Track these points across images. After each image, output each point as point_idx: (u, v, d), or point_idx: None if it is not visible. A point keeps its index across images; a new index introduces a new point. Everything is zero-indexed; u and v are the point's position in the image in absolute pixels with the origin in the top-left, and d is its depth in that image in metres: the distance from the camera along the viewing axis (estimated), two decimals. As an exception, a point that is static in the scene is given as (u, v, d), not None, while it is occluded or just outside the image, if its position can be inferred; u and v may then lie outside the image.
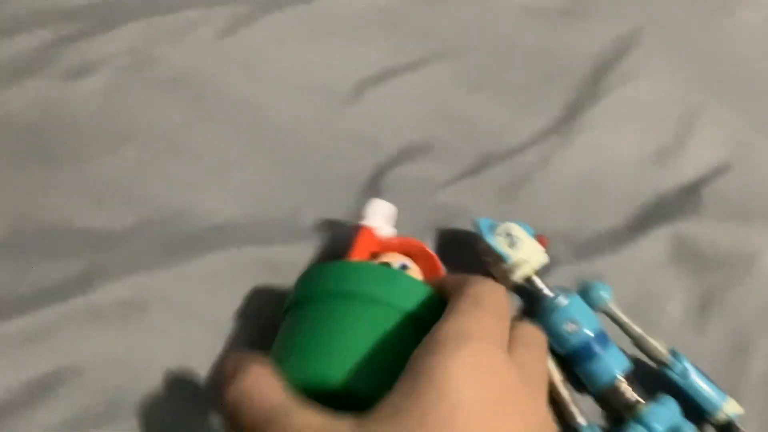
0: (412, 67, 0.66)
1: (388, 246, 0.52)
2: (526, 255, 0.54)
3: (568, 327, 0.52)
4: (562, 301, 0.53)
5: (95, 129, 0.58)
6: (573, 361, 0.53)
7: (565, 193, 0.61)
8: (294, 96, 0.62)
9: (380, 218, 0.53)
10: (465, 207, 0.59)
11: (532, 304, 0.55)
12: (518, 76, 0.67)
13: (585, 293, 0.55)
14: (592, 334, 0.52)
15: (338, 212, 0.57)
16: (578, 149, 0.63)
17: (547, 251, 0.55)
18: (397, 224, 0.55)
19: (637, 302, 0.56)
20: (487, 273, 0.56)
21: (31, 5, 0.62)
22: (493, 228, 0.55)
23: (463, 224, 0.58)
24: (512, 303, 0.56)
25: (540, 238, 0.56)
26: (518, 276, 0.54)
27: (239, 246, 0.53)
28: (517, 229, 0.55)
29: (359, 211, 0.53)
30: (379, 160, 0.61)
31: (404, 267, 0.51)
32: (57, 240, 0.53)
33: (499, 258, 0.54)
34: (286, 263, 0.52)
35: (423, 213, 0.58)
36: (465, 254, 0.56)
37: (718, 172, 0.64)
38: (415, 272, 0.51)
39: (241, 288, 0.51)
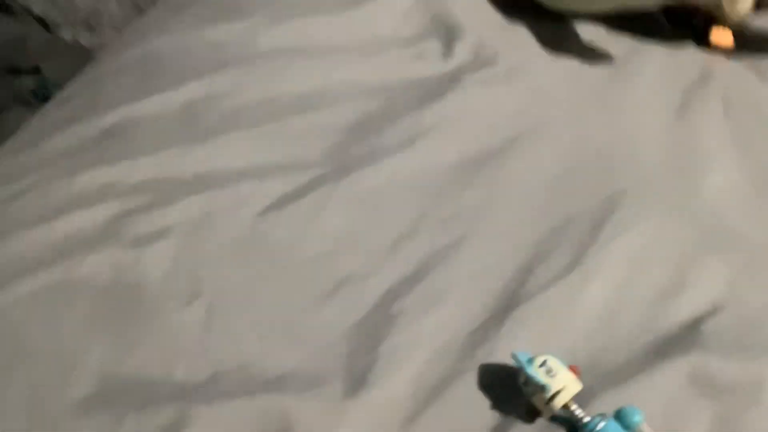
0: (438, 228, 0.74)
1: None
2: (562, 384, 0.60)
3: (608, 450, 0.57)
4: (600, 425, 0.58)
5: (165, 289, 0.64)
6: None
7: (588, 329, 0.67)
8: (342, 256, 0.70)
9: None
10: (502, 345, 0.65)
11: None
12: (528, 231, 0.75)
13: (620, 418, 0.60)
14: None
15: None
16: (592, 291, 0.70)
17: (580, 380, 0.61)
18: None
19: (664, 425, 0.61)
20: (529, 404, 0.61)
21: (99, 181, 0.70)
22: (531, 361, 0.61)
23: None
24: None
25: (572, 368, 0.62)
26: (559, 404, 0.60)
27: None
28: (552, 361, 0.61)
29: None
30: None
31: None
32: (141, 393, 0.57)
33: (540, 388, 0.60)
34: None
35: (461, 352, 0.64)
36: (509, 386, 0.62)
37: (714, 311, 0.72)
38: None
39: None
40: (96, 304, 0.62)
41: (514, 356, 0.62)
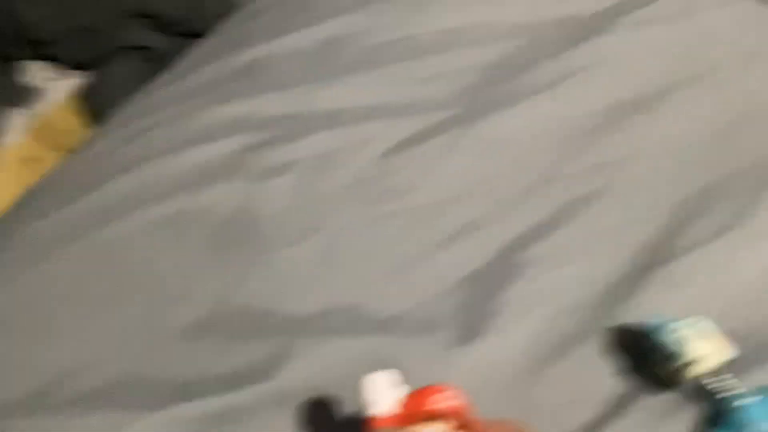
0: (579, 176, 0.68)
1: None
2: (698, 353, 0.52)
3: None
4: (749, 400, 0.51)
5: (283, 223, 0.62)
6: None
7: (746, 294, 0.60)
8: (463, 200, 0.66)
9: (387, 394, 0.48)
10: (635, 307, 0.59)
11: (717, 408, 0.53)
12: (678, 187, 0.68)
13: (772, 395, 0.52)
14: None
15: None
16: (754, 253, 0.62)
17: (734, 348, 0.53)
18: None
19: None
20: (663, 372, 0.55)
21: (229, 115, 0.70)
22: (665, 324, 0.54)
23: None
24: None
25: (718, 336, 0.54)
26: (689, 374, 0.52)
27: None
28: (688, 327, 0.53)
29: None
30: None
31: None
32: (249, 322, 0.57)
33: (669, 356, 0.53)
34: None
35: (589, 311, 0.59)
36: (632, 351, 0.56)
37: None
38: None
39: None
40: (214, 234, 0.62)
41: (645, 319, 0.55)
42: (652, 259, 0.62)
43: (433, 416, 0.47)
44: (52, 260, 0.61)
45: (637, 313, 0.58)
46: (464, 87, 0.74)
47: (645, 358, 0.55)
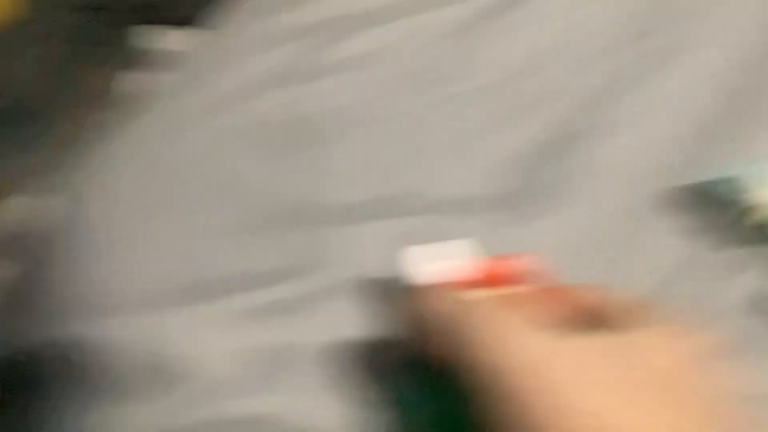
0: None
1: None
2: (763, 198, 0.50)
3: None
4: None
5: (335, 119, 0.63)
6: None
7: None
8: (528, 79, 0.65)
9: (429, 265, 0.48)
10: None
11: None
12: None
13: None
14: None
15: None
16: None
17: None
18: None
19: None
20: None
21: (288, 22, 0.71)
22: (728, 177, 0.52)
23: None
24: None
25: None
26: (750, 220, 0.50)
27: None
28: (756, 173, 0.51)
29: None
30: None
31: None
32: (295, 216, 0.58)
33: (729, 204, 0.50)
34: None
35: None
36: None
37: None
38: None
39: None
40: (271, 137, 0.63)
41: (708, 173, 0.53)
42: (737, 111, 0.60)
43: (513, 280, 0.46)
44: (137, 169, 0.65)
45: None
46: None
47: (715, 210, 0.53)
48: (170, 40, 1.79)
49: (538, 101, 0.63)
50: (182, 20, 1.78)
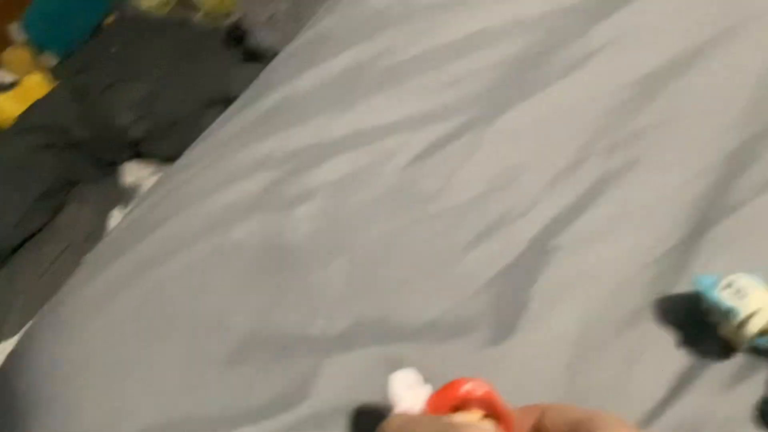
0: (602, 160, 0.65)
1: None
2: (757, 305, 0.48)
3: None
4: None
5: (310, 248, 0.62)
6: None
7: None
8: (495, 196, 0.64)
9: (410, 391, 0.47)
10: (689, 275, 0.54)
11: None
12: (721, 144, 0.63)
13: None
14: None
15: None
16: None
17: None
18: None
19: None
20: (719, 337, 0.50)
21: (255, 155, 0.71)
22: (715, 283, 0.50)
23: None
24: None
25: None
26: (751, 330, 0.48)
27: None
28: (744, 279, 0.49)
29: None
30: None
31: None
32: (280, 348, 0.57)
33: (726, 314, 0.48)
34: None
35: (636, 287, 0.55)
36: (691, 318, 0.51)
37: None
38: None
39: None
40: (245, 268, 0.62)
41: (694, 281, 0.51)
42: (701, 222, 0.58)
43: (460, 406, 0.45)
44: (104, 314, 0.63)
45: (687, 283, 0.54)
46: (485, 87, 0.72)
47: (704, 321, 0.51)
48: (152, 175, 1.82)
49: (509, 218, 0.62)
50: (167, 156, 1.82)
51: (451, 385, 0.46)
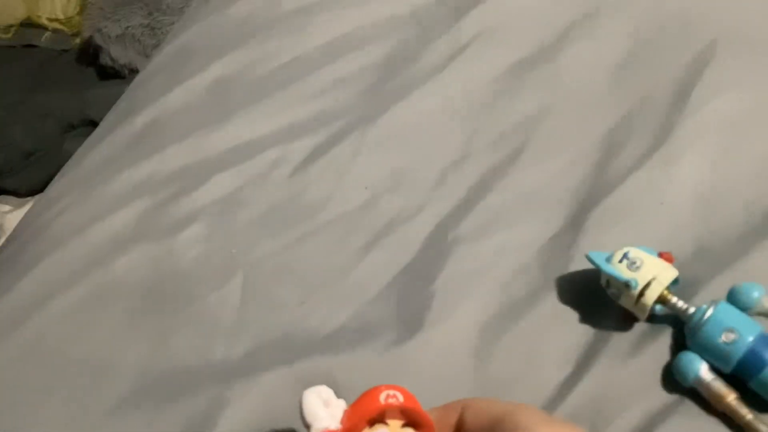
0: (489, 147, 0.65)
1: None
2: (652, 274, 0.49)
3: (725, 338, 0.46)
4: (709, 312, 0.47)
5: (199, 273, 0.59)
6: (744, 375, 0.46)
7: (683, 214, 0.56)
8: (385, 197, 0.63)
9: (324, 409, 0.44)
10: (582, 251, 0.55)
11: (681, 331, 0.49)
12: (598, 128, 0.64)
13: (734, 298, 0.49)
14: (752, 339, 0.46)
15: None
16: (684, 169, 0.59)
17: (678, 268, 0.50)
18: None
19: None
20: (621, 309, 0.51)
21: (130, 181, 0.67)
22: (609, 258, 0.51)
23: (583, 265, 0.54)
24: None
25: (664, 255, 0.51)
26: (651, 298, 0.49)
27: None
28: (635, 251, 0.51)
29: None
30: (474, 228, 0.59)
31: None
32: (178, 383, 0.53)
33: (625, 285, 0.49)
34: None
35: (532, 271, 0.56)
36: (595, 294, 0.52)
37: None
38: None
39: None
40: (132, 303, 0.58)
41: (588, 258, 0.52)
42: (587, 203, 0.59)
43: (377, 419, 0.43)
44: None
45: (579, 262, 0.55)
46: (359, 90, 0.71)
47: (602, 296, 0.52)
48: (11, 212, 1.71)
49: (401, 219, 0.61)
50: (27, 190, 1.71)
51: (367, 397, 0.44)
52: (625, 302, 0.51)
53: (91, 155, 0.73)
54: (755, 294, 0.48)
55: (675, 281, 0.50)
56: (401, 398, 0.42)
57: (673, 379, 0.48)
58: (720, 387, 0.46)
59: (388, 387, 0.43)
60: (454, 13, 0.75)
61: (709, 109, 0.62)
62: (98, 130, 0.79)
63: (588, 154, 0.62)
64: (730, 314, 0.47)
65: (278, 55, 0.76)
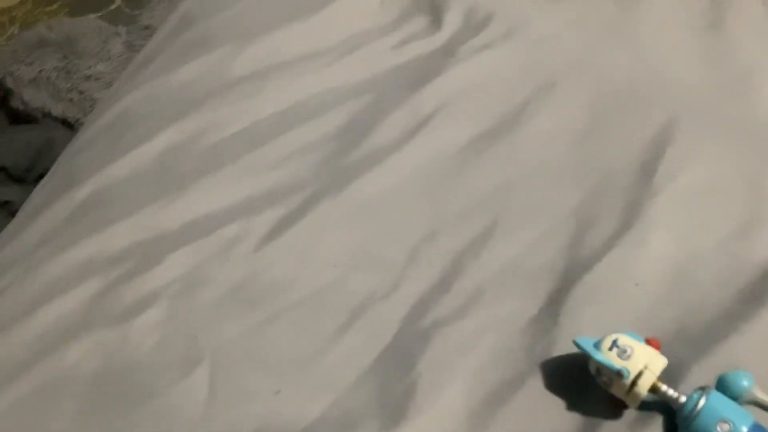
0: (457, 221, 0.64)
1: None
2: (643, 363, 0.49)
3: (720, 428, 0.46)
4: (702, 402, 0.47)
5: (160, 362, 0.55)
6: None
7: (660, 292, 0.56)
8: (355, 275, 0.61)
9: None
10: (565, 333, 0.54)
11: (672, 420, 0.49)
12: (565, 201, 0.64)
13: (724, 387, 0.48)
14: (746, 429, 0.46)
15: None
16: (656, 247, 0.59)
17: (664, 354, 0.50)
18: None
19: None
20: (609, 395, 0.50)
21: (75, 260, 0.62)
22: (598, 345, 0.50)
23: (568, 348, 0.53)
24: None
25: (651, 342, 0.51)
26: (644, 387, 0.48)
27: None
28: (624, 338, 0.50)
29: None
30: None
31: None
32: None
33: (617, 374, 0.49)
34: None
35: (516, 352, 0.54)
36: (582, 379, 0.51)
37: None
38: None
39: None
40: (86, 397, 0.54)
41: (576, 344, 0.51)
42: (563, 283, 0.58)
43: None
44: None
45: (567, 339, 0.54)
46: (319, 160, 0.69)
47: (590, 381, 0.51)
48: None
49: (375, 299, 0.59)
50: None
51: None
52: (616, 390, 0.50)
53: (29, 230, 0.68)
54: (744, 383, 0.48)
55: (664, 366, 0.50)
56: None
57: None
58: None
59: None
60: (409, 85, 0.74)
61: (674, 186, 0.63)
62: (31, 202, 0.73)
63: (558, 231, 0.62)
64: (723, 404, 0.47)
65: (231, 123, 0.74)
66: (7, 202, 1.49)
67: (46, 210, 0.69)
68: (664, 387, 0.49)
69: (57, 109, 1.70)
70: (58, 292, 0.60)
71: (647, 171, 0.64)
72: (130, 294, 0.59)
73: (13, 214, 1.42)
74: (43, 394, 0.54)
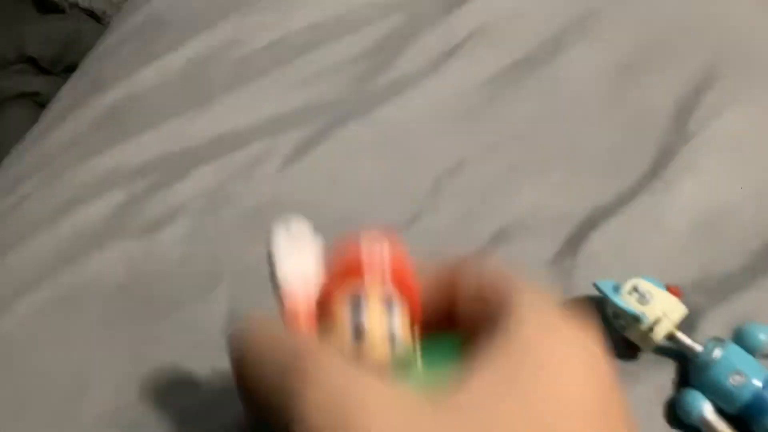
0: (485, 155, 0.63)
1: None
2: (662, 310, 0.49)
3: (732, 380, 0.46)
4: (718, 353, 0.47)
5: (183, 277, 0.56)
6: (747, 419, 0.46)
7: (683, 241, 0.56)
8: (378, 202, 0.60)
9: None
10: (583, 276, 0.54)
11: (685, 366, 0.49)
12: (597, 141, 0.63)
13: (741, 339, 0.49)
14: (761, 384, 0.46)
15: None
16: (684, 194, 0.58)
17: (683, 302, 0.50)
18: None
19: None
20: (625, 340, 0.50)
21: (101, 169, 0.62)
22: (618, 288, 0.50)
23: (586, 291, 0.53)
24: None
25: (672, 290, 0.50)
26: (660, 334, 0.49)
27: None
28: (645, 284, 0.50)
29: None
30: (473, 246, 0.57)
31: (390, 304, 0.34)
32: (161, 399, 0.50)
33: (634, 319, 0.49)
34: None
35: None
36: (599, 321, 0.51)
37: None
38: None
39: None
40: (109, 308, 0.54)
41: (596, 286, 0.51)
42: (581, 227, 0.58)
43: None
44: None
45: (586, 282, 0.54)
46: (350, 79, 0.68)
47: (606, 324, 0.51)
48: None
49: (396, 227, 0.59)
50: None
51: (348, 252, 0.35)
52: (632, 335, 0.50)
53: (54, 134, 0.68)
54: (761, 336, 0.48)
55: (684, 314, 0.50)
56: (384, 255, 0.34)
57: (675, 414, 0.48)
58: (724, 428, 0.46)
59: (375, 237, 0.35)
60: (446, 5, 0.72)
61: (709, 132, 0.61)
62: (56, 105, 0.73)
63: (586, 171, 0.61)
64: (739, 356, 0.47)
65: (260, 35, 0.72)
66: (35, 93, 1.49)
67: (71, 114, 0.69)
68: (680, 335, 0.49)
69: (84, 1, 1.69)
70: (83, 201, 0.60)
71: (683, 114, 0.62)
72: (155, 207, 0.60)
73: (40, 105, 1.43)
74: (65, 300, 0.55)
